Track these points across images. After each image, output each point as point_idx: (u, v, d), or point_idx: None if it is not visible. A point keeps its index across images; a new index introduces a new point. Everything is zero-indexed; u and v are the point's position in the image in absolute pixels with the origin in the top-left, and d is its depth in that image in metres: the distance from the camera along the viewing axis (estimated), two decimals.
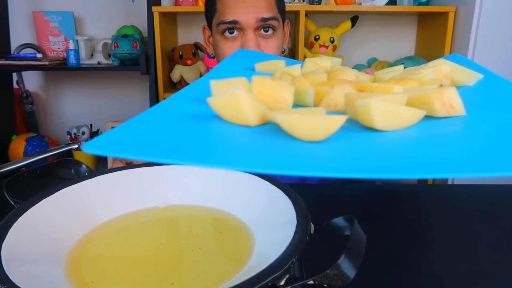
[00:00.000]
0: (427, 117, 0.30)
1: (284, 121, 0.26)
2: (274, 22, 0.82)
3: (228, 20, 0.80)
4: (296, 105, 0.35)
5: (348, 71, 0.41)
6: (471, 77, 0.39)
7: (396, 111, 0.28)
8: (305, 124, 0.26)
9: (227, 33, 0.82)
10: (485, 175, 0.19)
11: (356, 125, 0.30)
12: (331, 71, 0.43)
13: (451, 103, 0.30)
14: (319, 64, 0.46)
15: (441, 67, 0.38)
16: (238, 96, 0.28)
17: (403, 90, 0.33)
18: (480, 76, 0.40)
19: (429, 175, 0.20)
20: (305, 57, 1.79)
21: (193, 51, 1.78)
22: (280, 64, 0.48)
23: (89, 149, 0.23)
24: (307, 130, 0.26)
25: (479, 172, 0.20)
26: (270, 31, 0.82)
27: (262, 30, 0.82)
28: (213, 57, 0.92)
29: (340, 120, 0.25)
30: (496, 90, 0.37)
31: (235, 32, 0.82)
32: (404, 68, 0.45)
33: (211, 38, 0.89)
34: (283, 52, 0.90)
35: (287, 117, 0.26)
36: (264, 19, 0.80)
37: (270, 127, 0.29)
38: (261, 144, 0.26)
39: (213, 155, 0.24)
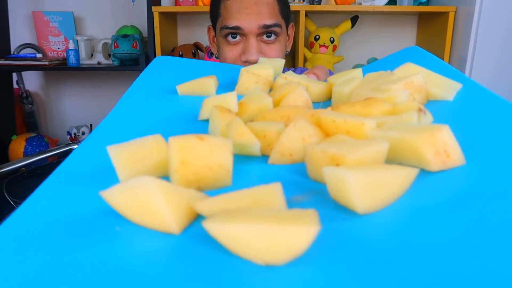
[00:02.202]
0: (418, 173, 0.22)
1: (223, 235, 0.17)
2: (276, 29, 0.82)
3: (231, 26, 0.80)
4: (238, 155, 0.27)
5: (297, 89, 0.32)
6: (449, 89, 0.31)
7: (381, 185, 0.20)
8: (257, 239, 0.17)
9: (229, 38, 0.83)
10: None
11: (324, 200, 0.22)
12: (276, 91, 0.34)
13: (446, 151, 0.22)
14: (258, 74, 0.37)
15: (413, 79, 0.30)
16: (150, 195, 0.19)
17: (375, 124, 0.25)
18: (458, 86, 0.32)
19: None
20: (305, 57, 1.79)
21: (193, 51, 1.78)
22: (206, 84, 0.36)
23: None
24: (259, 250, 0.17)
25: None
26: (273, 37, 0.83)
27: (264, 36, 0.82)
28: (217, 58, 0.92)
29: (312, 234, 0.17)
30: (484, 108, 0.29)
31: (238, 37, 0.82)
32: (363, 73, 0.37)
33: (215, 39, 0.90)
34: (286, 55, 0.90)
35: (227, 227, 0.17)
36: (267, 26, 0.80)
37: (202, 233, 0.19)
38: (192, 273, 0.17)
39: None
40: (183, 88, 0.38)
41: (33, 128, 1.98)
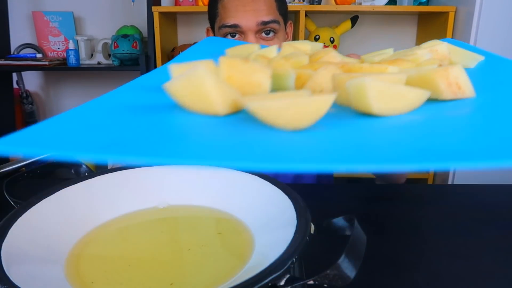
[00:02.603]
0: (430, 100, 0.26)
1: (260, 108, 0.21)
2: (274, 25, 0.82)
3: (229, 24, 0.81)
4: (274, 90, 0.29)
5: (332, 52, 0.35)
6: (471, 59, 0.35)
7: (395, 92, 0.23)
8: (286, 109, 0.21)
9: (228, 37, 0.83)
10: (498, 164, 0.16)
11: (348, 112, 0.25)
12: (314, 53, 0.37)
13: (458, 83, 0.26)
14: (298, 47, 0.40)
15: (437, 48, 0.34)
16: (201, 78, 0.23)
17: (398, 70, 0.28)
18: (480, 57, 0.36)
19: (438, 165, 0.17)
20: None
21: None
22: (254, 48, 0.42)
23: (4, 146, 0.18)
24: (288, 117, 0.21)
25: (492, 161, 0.16)
26: (271, 34, 0.83)
27: (263, 33, 0.82)
28: None
29: (328, 100, 0.21)
30: (502, 70, 0.33)
31: (237, 36, 0.83)
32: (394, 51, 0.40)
33: None
34: None
35: (263, 102, 0.21)
36: (265, 23, 0.81)
37: (243, 116, 0.24)
38: (233, 135, 0.22)
39: (172, 150, 0.19)
40: (231, 51, 0.42)
41: None
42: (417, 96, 0.24)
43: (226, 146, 0.20)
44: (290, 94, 0.26)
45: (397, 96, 0.23)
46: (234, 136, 0.22)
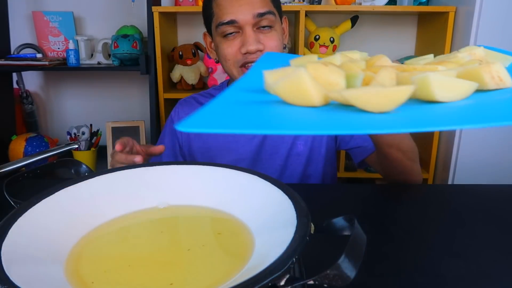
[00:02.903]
0: (478, 91, 0.32)
1: (355, 95, 0.28)
2: (270, 17, 0.82)
3: (226, 21, 0.81)
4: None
5: (384, 57, 0.42)
6: (504, 60, 0.41)
7: (453, 83, 0.30)
8: (375, 96, 0.27)
9: (228, 37, 0.83)
10: None
11: (414, 101, 0.31)
12: (369, 59, 0.44)
13: (499, 76, 0.32)
14: (350, 56, 0.47)
15: (475, 51, 0.40)
16: (302, 77, 0.30)
17: (446, 69, 0.34)
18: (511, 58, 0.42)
19: (493, 123, 0.23)
20: None
21: (193, 51, 1.78)
22: (314, 57, 0.48)
23: (185, 127, 0.25)
24: (378, 102, 0.27)
25: None
26: (268, 28, 0.83)
27: (260, 27, 0.82)
28: (217, 62, 0.92)
29: (408, 89, 0.27)
30: None
31: (234, 33, 0.83)
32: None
33: (212, 44, 0.90)
34: (284, 48, 0.90)
35: (358, 91, 0.28)
36: (261, 14, 0.81)
37: (335, 106, 0.31)
38: (335, 115, 0.29)
39: (299, 124, 0.27)
40: (295, 62, 0.48)
41: (33, 128, 1.98)
42: (469, 86, 0.30)
43: (330, 120, 0.28)
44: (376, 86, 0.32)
45: (454, 86, 0.30)
46: (334, 115, 0.28)
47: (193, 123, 0.26)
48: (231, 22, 0.81)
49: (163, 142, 0.99)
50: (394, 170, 0.78)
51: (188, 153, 0.96)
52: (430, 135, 1.71)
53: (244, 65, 0.84)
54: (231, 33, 0.82)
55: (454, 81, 0.30)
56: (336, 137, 0.94)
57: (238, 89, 0.37)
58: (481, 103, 0.30)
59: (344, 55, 0.47)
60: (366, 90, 0.28)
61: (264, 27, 0.83)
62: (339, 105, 0.30)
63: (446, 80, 0.29)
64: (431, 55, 0.46)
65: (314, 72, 0.33)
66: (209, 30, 0.90)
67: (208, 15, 0.87)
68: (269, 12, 0.82)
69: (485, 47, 0.48)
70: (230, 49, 0.83)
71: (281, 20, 0.89)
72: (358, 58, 0.48)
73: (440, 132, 1.71)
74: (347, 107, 0.29)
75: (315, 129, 0.26)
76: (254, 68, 0.48)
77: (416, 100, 0.31)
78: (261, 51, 0.82)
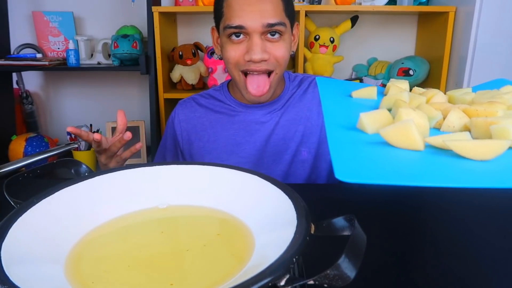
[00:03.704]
0: None
1: (458, 146, 0.35)
2: (280, 28, 0.80)
3: (234, 25, 0.79)
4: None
5: (439, 94, 0.51)
6: None
7: None
8: (479, 146, 0.34)
9: (233, 37, 0.81)
10: None
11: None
12: (425, 94, 0.52)
13: None
14: (399, 87, 0.56)
15: None
16: (410, 127, 0.36)
17: (503, 113, 0.42)
18: None
19: None
20: (305, 57, 1.79)
21: (193, 51, 1.78)
22: (373, 91, 0.56)
23: (345, 178, 0.29)
24: (479, 151, 0.34)
25: None
26: (277, 36, 0.81)
27: (268, 34, 0.80)
28: (220, 58, 0.90)
29: (506, 144, 0.34)
30: None
31: (241, 36, 0.80)
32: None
33: (219, 40, 0.88)
34: (291, 55, 0.88)
35: (462, 142, 0.35)
36: (270, 25, 0.78)
37: (435, 150, 0.37)
38: (444, 164, 0.34)
39: (426, 177, 0.32)
40: (356, 94, 0.56)
41: (33, 128, 1.98)
42: None
43: (435, 172, 0.33)
44: (459, 136, 0.38)
45: None
46: (437, 164, 0.34)
47: (350, 174, 0.30)
48: (239, 27, 0.79)
49: (165, 144, 0.98)
50: None
51: (189, 157, 0.95)
52: None
53: (245, 73, 0.82)
54: (238, 37, 0.80)
55: None
56: None
57: (335, 127, 0.42)
58: None
59: (396, 86, 0.55)
60: (471, 142, 0.34)
61: (272, 35, 0.80)
62: (437, 149, 0.37)
63: None
64: (470, 89, 0.55)
65: (405, 116, 0.40)
66: (217, 26, 0.88)
67: (218, 13, 0.85)
68: (280, 23, 0.79)
69: (510, 82, 0.56)
70: (234, 53, 0.81)
71: (292, 26, 0.86)
72: (405, 87, 0.57)
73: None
74: (445, 151, 0.36)
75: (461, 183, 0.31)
76: (323, 97, 0.53)
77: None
78: (265, 60, 0.80)
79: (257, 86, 0.83)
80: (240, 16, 0.78)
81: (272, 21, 0.78)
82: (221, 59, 0.89)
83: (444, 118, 0.44)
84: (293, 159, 0.90)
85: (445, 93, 0.53)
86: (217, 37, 0.89)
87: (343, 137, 0.40)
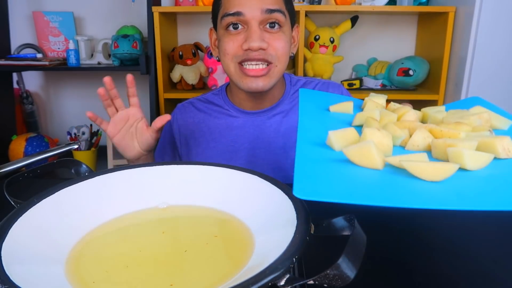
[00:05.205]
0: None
1: (411, 166, 0.37)
2: (280, 16, 0.78)
3: (232, 12, 0.77)
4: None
5: (411, 111, 0.54)
6: (505, 123, 0.52)
7: (479, 156, 0.39)
8: (430, 168, 0.36)
9: (231, 28, 0.79)
10: None
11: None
12: (398, 111, 0.55)
13: (509, 148, 0.42)
14: (376, 102, 0.59)
15: (483, 115, 0.51)
16: (369, 147, 0.38)
17: (465, 135, 0.44)
18: (510, 122, 0.52)
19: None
20: (305, 57, 1.79)
21: (193, 51, 1.78)
22: (349, 106, 0.58)
23: (301, 195, 0.31)
24: (430, 173, 0.36)
25: None
26: (276, 27, 0.78)
27: (267, 25, 0.78)
28: (218, 60, 0.88)
29: (456, 167, 0.36)
30: None
31: (239, 27, 0.78)
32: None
33: (217, 42, 0.86)
34: (291, 57, 0.86)
35: (415, 163, 0.37)
36: (270, 11, 0.76)
37: (393, 169, 0.39)
38: (391, 184, 0.36)
39: (378, 197, 0.34)
40: (333, 108, 0.58)
41: (33, 128, 1.98)
42: (489, 158, 0.40)
43: (387, 192, 0.35)
44: (416, 156, 0.40)
45: (479, 158, 0.39)
46: (391, 184, 0.36)
47: (307, 192, 0.32)
48: (237, 14, 0.76)
49: (163, 145, 0.98)
50: None
51: (186, 157, 0.95)
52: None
53: (242, 63, 0.79)
54: (235, 27, 0.78)
55: (480, 154, 0.39)
56: None
57: (306, 143, 0.44)
58: (500, 173, 0.38)
59: (372, 101, 0.58)
60: (422, 163, 0.36)
61: (272, 27, 0.78)
62: (395, 168, 0.39)
63: (474, 154, 0.39)
64: (443, 107, 0.57)
65: (369, 136, 0.42)
66: (215, 25, 0.86)
67: (216, 7, 0.83)
68: (279, 11, 0.77)
69: (482, 102, 0.58)
70: (232, 43, 0.79)
71: (292, 27, 0.85)
72: (381, 102, 0.59)
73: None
74: (402, 170, 0.38)
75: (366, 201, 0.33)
76: (301, 111, 0.55)
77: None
78: (264, 49, 0.77)
79: (255, 71, 0.80)
80: (238, 4, 0.77)
81: (271, 6, 0.77)
82: (219, 60, 0.88)
83: (410, 137, 0.46)
84: (293, 169, 0.88)
85: (419, 110, 0.57)
86: (215, 39, 0.88)
87: (310, 153, 0.42)
